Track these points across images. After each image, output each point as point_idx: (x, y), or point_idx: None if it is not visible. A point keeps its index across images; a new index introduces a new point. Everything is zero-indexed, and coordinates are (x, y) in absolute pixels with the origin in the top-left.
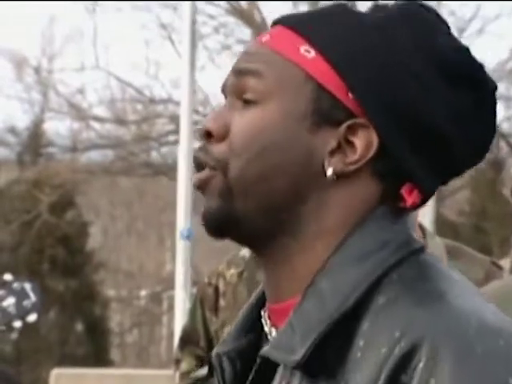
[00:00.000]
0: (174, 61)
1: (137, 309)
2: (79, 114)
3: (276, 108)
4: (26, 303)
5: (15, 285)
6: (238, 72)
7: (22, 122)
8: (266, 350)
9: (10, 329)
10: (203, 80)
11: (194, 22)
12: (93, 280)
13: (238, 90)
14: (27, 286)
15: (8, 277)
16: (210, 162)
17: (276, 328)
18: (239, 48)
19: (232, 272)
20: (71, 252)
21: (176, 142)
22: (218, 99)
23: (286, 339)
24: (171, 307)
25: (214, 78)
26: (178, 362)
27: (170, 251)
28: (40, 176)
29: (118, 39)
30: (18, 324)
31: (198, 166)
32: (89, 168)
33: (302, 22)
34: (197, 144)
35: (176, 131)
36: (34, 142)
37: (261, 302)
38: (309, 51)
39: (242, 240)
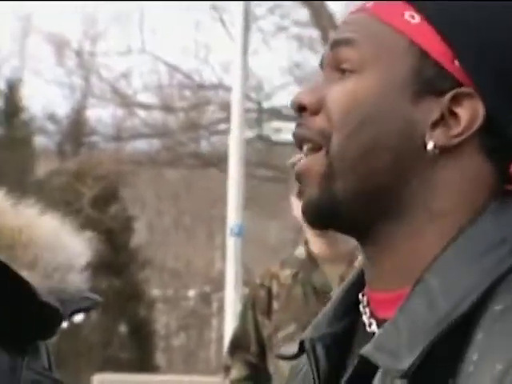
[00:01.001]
0: (225, 44)
1: (184, 310)
2: (123, 100)
3: (375, 77)
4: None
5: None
6: (334, 43)
7: (63, 108)
8: (367, 350)
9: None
10: (256, 64)
11: (247, 2)
12: (137, 279)
13: (333, 61)
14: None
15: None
16: (313, 138)
17: (376, 319)
18: (296, 30)
19: (286, 273)
20: (115, 248)
21: (227, 131)
22: (271, 85)
23: (390, 341)
24: (221, 309)
25: (267, 62)
26: (227, 368)
27: (220, 248)
28: (82, 167)
29: (166, 21)
30: (64, 325)
31: (298, 143)
32: (134, 158)
33: None
34: (248, 133)
35: (227, 119)
36: (76, 131)
37: (359, 284)
38: (413, 16)
39: (344, 228)
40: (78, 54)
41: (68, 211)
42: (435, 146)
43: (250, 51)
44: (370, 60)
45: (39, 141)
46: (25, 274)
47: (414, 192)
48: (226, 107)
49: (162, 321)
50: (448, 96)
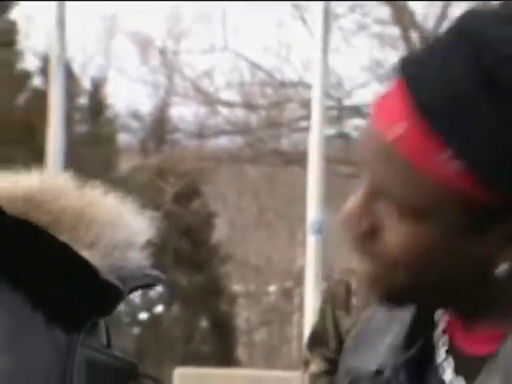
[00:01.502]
0: (306, 42)
1: (265, 306)
2: (206, 98)
3: (429, 228)
4: (152, 294)
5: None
6: (369, 192)
7: (146, 106)
8: None
9: (135, 321)
10: (336, 62)
11: (328, 1)
12: (218, 274)
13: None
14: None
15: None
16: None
17: (452, 351)
18: (376, 28)
19: None
20: (196, 244)
21: (307, 128)
22: (352, 82)
23: None
24: (302, 304)
25: (348, 60)
26: (306, 363)
27: (301, 245)
28: (164, 164)
29: (248, 19)
30: (143, 316)
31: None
32: (215, 155)
33: (429, 101)
34: (328, 130)
35: (307, 116)
36: (158, 128)
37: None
38: (450, 161)
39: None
40: (162, 52)
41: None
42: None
43: (330, 49)
44: (420, 210)
45: (123, 138)
46: (85, 253)
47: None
48: (306, 105)
49: (243, 316)
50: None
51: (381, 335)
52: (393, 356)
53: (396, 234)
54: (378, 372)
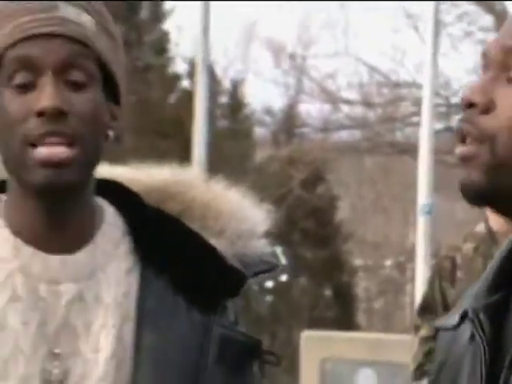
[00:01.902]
0: (418, 47)
1: (382, 277)
2: (329, 97)
3: None
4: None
5: (269, 249)
6: (506, 49)
7: (278, 103)
8: None
9: (263, 289)
10: (445, 65)
11: (437, 11)
12: (341, 250)
13: (503, 66)
14: (278, 250)
15: (266, 245)
16: (476, 134)
17: None
18: (481, 35)
19: (468, 246)
20: (321, 224)
21: (419, 123)
22: (459, 83)
23: None
24: (413, 276)
25: (455, 64)
26: (417, 327)
27: (413, 225)
28: (293, 154)
29: (367, 27)
30: (270, 284)
31: (461, 136)
32: (338, 147)
33: None
34: (437, 125)
35: (419, 113)
36: (289, 123)
37: None
38: None
39: (503, 211)
40: (292, 57)
41: (281, 192)
42: None
43: (439, 54)
44: None
45: (258, 132)
46: (213, 241)
47: None
48: (418, 103)
49: (363, 286)
50: None
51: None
52: (475, 301)
53: (509, 96)
54: (462, 318)
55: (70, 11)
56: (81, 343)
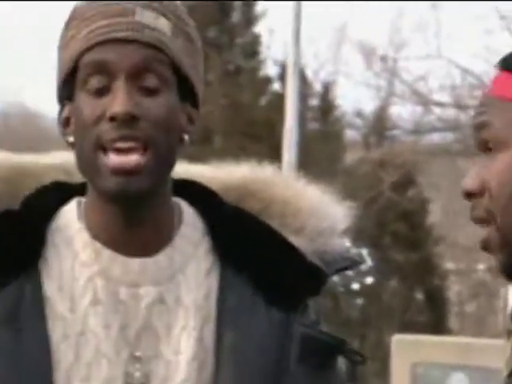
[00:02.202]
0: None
1: (474, 281)
2: (421, 99)
3: None
4: (363, 267)
5: (353, 250)
6: (474, 127)
7: (369, 106)
8: None
9: (349, 291)
10: None
11: None
12: (432, 253)
13: (481, 144)
14: (364, 252)
15: (346, 243)
16: (483, 217)
17: None
18: None
19: None
20: (412, 227)
21: None
22: None
23: None
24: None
25: None
26: (510, 332)
27: None
28: (384, 156)
29: (459, 29)
30: (355, 286)
31: (479, 223)
32: (429, 149)
33: None
34: None
35: None
36: (379, 125)
37: None
38: None
39: None
40: (383, 59)
41: (371, 194)
42: None
43: None
44: (506, 137)
45: (348, 134)
46: (293, 239)
47: None
48: None
49: (455, 289)
50: None
51: None
52: None
53: (492, 170)
54: None
55: (146, 16)
56: (162, 346)
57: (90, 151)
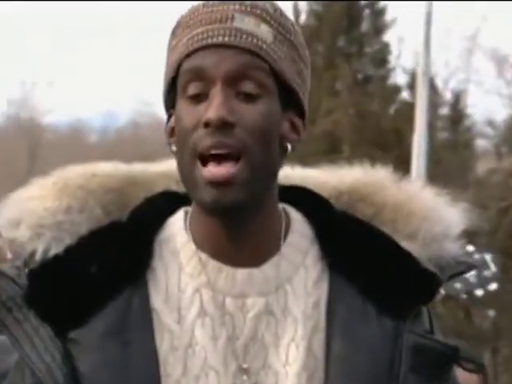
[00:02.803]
0: None
1: None
2: None
3: None
4: (487, 273)
5: (476, 256)
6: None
7: (501, 115)
8: None
9: (471, 296)
10: None
11: None
12: None
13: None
14: (487, 257)
15: (470, 248)
16: None
17: None
18: None
19: None
20: None
21: None
22: None
23: None
24: None
25: None
26: None
27: None
28: None
29: None
30: (479, 292)
31: None
32: None
33: None
34: None
35: None
36: (511, 134)
37: None
38: None
39: None
40: None
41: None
42: None
43: None
44: None
45: (479, 143)
46: (404, 244)
47: None
48: None
49: None
50: None
51: None
52: None
53: None
54: None
55: (246, 22)
56: (270, 357)
57: (188, 160)
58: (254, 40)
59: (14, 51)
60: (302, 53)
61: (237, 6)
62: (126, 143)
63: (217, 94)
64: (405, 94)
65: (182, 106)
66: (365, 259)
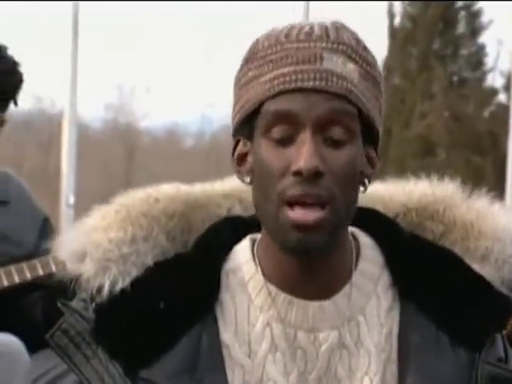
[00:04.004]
0: None
1: None
2: None
3: None
4: None
5: None
6: None
7: None
8: None
9: None
10: None
11: None
12: None
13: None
14: None
15: None
16: None
17: None
18: None
19: None
20: None
21: None
22: None
23: None
24: None
25: None
26: None
27: None
28: None
29: None
30: None
31: None
32: None
33: None
34: None
35: None
36: None
37: None
38: None
39: None
40: None
41: None
42: None
43: None
44: None
45: None
46: (476, 266)
47: None
48: None
49: None
50: None
51: None
52: None
53: None
54: None
55: (334, 61)
56: None
57: (271, 202)
58: (344, 83)
59: (112, 56)
60: (381, 85)
61: (323, 44)
62: (221, 147)
63: (307, 141)
64: (501, 97)
65: (265, 147)
66: (436, 285)
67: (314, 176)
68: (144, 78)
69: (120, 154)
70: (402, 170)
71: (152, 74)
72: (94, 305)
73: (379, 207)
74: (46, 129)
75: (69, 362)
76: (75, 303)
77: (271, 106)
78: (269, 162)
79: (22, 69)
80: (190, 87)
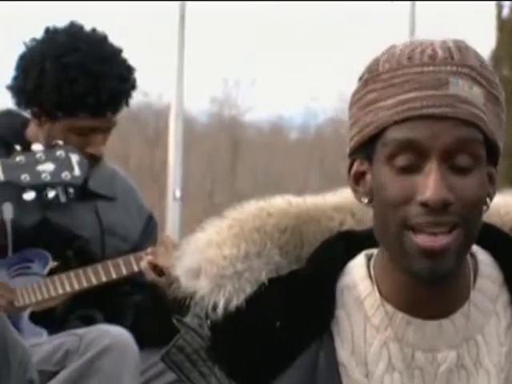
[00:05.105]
0: None
1: None
2: None
3: None
4: None
5: None
6: None
7: None
8: None
9: None
10: None
11: None
12: None
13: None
14: None
15: None
16: None
17: None
18: None
19: None
20: None
21: None
22: None
23: None
24: None
25: None
26: None
27: None
28: None
29: None
30: None
31: None
32: None
33: None
34: None
35: None
36: None
37: None
38: None
39: None
40: None
41: None
42: None
43: None
44: None
45: None
46: None
47: None
48: None
49: None
50: None
51: None
52: None
53: None
54: None
55: (461, 86)
56: None
57: (395, 229)
58: (471, 109)
59: (217, 50)
60: (502, 103)
61: (448, 67)
62: (325, 141)
63: (433, 171)
64: None
65: (388, 173)
66: None
67: (443, 206)
68: (248, 72)
69: (225, 148)
70: None
71: (256, 68)
72: (208, 322)
73: (495, 220)
74: (152, 123)
75: (185, 379)
76: (190, 320)
77: (396, 134)
78: (391, 190)
79: (136, 74)
80: (294, 80)
